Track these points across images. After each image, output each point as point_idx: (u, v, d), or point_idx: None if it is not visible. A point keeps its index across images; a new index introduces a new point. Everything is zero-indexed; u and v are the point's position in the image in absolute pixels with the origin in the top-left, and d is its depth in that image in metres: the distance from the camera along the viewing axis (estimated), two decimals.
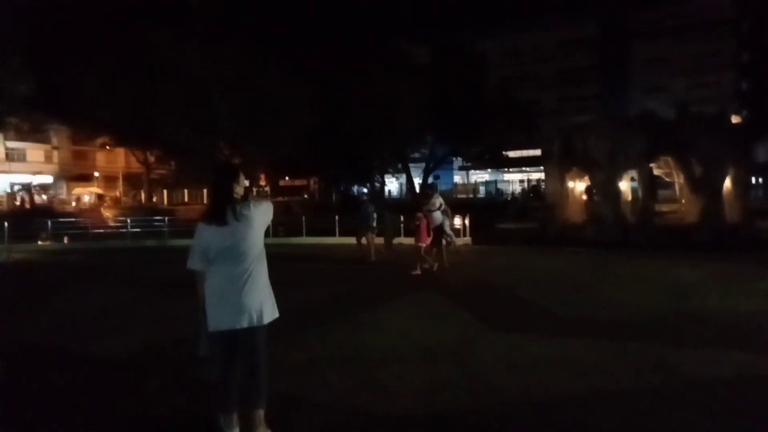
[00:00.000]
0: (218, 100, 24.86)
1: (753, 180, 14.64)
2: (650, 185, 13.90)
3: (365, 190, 37.33)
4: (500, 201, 35.44)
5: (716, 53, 45.13)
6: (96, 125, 31.75)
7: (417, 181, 36.38)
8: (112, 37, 25.80)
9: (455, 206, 17.90)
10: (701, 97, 38.53)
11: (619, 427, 3.31)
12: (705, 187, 13.25)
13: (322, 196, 41.77)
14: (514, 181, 50.58)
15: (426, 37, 37.21)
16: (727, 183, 13.59)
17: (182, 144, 25.89)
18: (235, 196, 2.99)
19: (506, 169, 50.69)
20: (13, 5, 22.92)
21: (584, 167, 14.29)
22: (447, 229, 10.13)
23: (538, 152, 33.25)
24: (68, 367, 4.55)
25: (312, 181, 45.97)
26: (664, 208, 15.36)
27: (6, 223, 16.31)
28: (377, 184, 35.65)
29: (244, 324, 2.92)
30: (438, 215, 9.76)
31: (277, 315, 3.09)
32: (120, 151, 42.88)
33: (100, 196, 40.74)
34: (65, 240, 17.73)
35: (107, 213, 29.67)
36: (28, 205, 33.59)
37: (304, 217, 17.10)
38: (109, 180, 45.45)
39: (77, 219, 22.24)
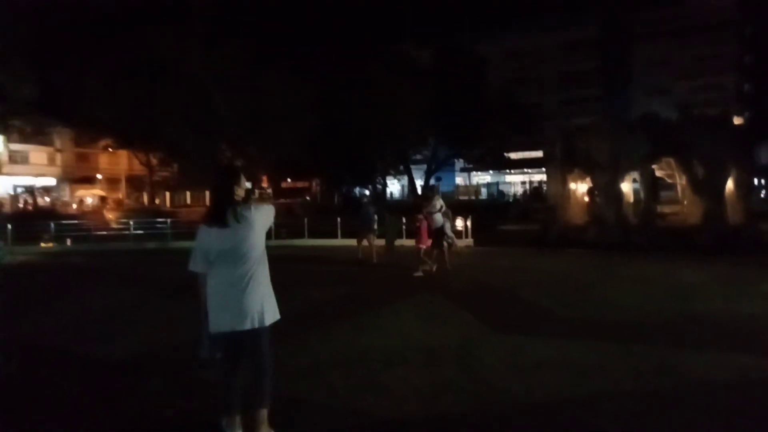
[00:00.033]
0: (220, 102, 24.90)
1: (756, 182, 14.58)
2: (652, 187, 13.88)
3: (367, 192, 37.36)
4: (502, 203, 35.44)
5: (718, 55, 45.03)
6: (98, 127, 31.86)
7: (419, 182, 36.39)
8: (113, 40, 25.89)
9: (457, 208, 17.91)
10: (703, 99, 38.49)
11: (622, 429, 3.31)
12: (707, 188, 13.24)
13: (324, 197, 41.80)
14: (516, 182, 50.56)
15: (428, 39, 37.25)
16: (730, 185, 13.57)
17: (184, 146, 25.95)
18: (236, 198, 3.01)
19: (508, 171, 50.67)
20: (15, 7, 23.03)
21: (586, 169, 14.29)
22: (448, 231, 10.14)
23: (540, 154, 33.30)
24: (70, 368, 4.56)
25: (314, 183, 46.01)
26: (666, 209, 15.34)
27: (9, 225, 16.37)
28: (379, 186, 35.67)
29: (246, 326, 2.93)
30: (439, 217, 9.77)
31: (278, 317, 3.10)
32: (123, 154, 43.00)
33: (102, 199, 40.87)
34: (68, 242, 17.78)
35: (110, 215, 29.75)
36: (31, 207, 33.71)
37: (306, 219, 17.13)
38: (111, 182, 45.59)
39: (80, 221, 22.30)
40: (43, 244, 17.03)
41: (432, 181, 35.74)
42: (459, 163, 48.02)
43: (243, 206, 3.00)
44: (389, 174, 37.97)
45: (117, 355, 4.90)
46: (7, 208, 31.63)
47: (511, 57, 50.37)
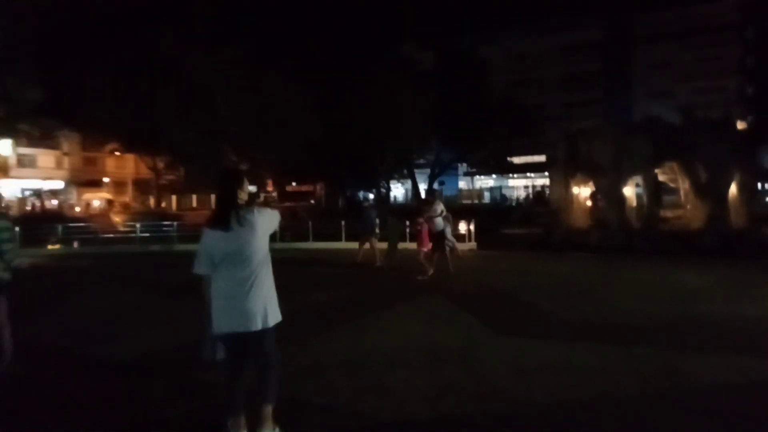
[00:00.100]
0: (223, 105, 25.00)
1: (759, 185, 14.51)
2: (655, 191, 13.87)
3: (371, 196, 37.41)
4: (505, 206, 35.41)
5: (721, 58, 44.87)
6: (104, 131, 32.08)
7: (422, 186, 36.44)
8: (117, 43, 26.01)
9: (460, 212, 17.92)
10: (706, 102, 38.33)
11: (624, 431, 3.33)
12: (710, 192, 13.22)
13: (329, 201, 41.90)
14: (518, 186, 50.50)
15: (430, 43, 37.37)
16: (733, 188, 13.55)
17: (188, 150, 26.08)
18: (240, 201, 3.05)
19: (511, 175, 50.63)
20: (19, 11, 23.22)
21: (589, 172, 14.30)
22: (448, 234, 10.20)
23: (542, 158, 33.30)
24: (73, 369, 4.57)
25: (318, 187, 46.12)
26: (669, 213, 15.30)
27: (17, 228, 16.52)
28: (383, 190, 35.74)
29: (250, 327, 2.97)
30: (439, 221, 9.84)
31: (280, 318, 3.14)
32: (129, 157, 43.27)
33: (109, 202, 41.14)
34: (75, 244, 17.93)
35: (117, 218, 29.94)
36: (39, 210, 33.99)
37: (310, 222, 17.22)
38: (118, 185, 45.86)
39: (87, 224, 22.47)
40: (50, 247, 17.17)
41: (435, 185, 35.78)
42: (462, 167, 48.07)
43: (246, 209, 3.03)
44: (393, 178, 38.04)
45: (120, 356, 4.92)
46: (15, 211, 31.89)
47: (513, 60, 50.42)
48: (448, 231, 10.19)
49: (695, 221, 13.62)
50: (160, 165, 36.58)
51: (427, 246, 9.79)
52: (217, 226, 3.00)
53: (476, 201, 45.01)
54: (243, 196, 3.09)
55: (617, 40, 48.95)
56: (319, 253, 14.81)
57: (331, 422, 3.44)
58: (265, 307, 3.02)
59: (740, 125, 15.35)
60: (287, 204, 36.65)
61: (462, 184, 53.57)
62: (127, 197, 44.53)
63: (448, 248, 10.06)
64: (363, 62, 29.90)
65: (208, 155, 25.52)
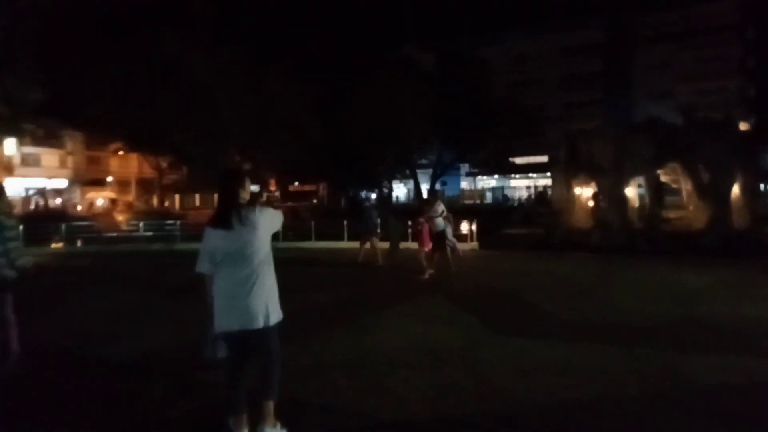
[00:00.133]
0: (224, 106, 25.04)
1: (762, 186, 14.46)
2: (657, 191, 13.84)
3: (373, 195, 37.40)
4: (507, 207, 35.37)
5: (722, 58, 44.68)
6: (106, 131, 32.18)
7: (425, 186, 36.45)
8: (118, 45, 26.09)
9: (462, 212, 17.91)
10: (707, 103, 38.19)
11: None
12: (712, 193, 13.19)
13: (331, 201, 41.96)
14: (520, 187, 50.44)
15: (431, 44, 37.36)
16: (736, 189, 13.51)
17: (190, 150, 26.15)
18: (241, 201, 3.08)
19: (513, 175, 50.58)
20: (20, 12, 23.30)
21: (590, 173, 14.29)
22: (449, 235, 10.23)
23: (544, 158, 33.27)
24: (74, 370, 4.56)
25: (321, 186, 46.19)
26: (671, 214, 15.28)
27: (21, 226, 16.59)
28: (385, 190, 35.76)
29: (251, 326, 2.99)
30: (440, 221, 9.87)
31: (281, 317, 3.16)
32: (133, 157, 43.43)
33: (113, 201, 41.29)
34: (78, 243, 18.01)
35: (120, 217, 30.05)
36: (42, 209, 34.14)
37: (312, 222, 17.27)
38: (122, 185, 46.01)
39: (90, 223, 22.55)
40: (53, 245, 17.25)
41: (437, 186, 35.76)
42: (464, 168, 48.05)
43: (248, 209, 3.06)
44: (395, 178, 38.05)
45: (121, 356, 4.92)
46: (18, 210, 32.03)
47: (514, 60, 50.34)
48: (449, 231, 10.22)
49: (697, 222, 13.59)
50: (164, 164, 36.70)
51: (428, 246, 9.83)
52: (218, 226, 3.03)
53: (478, 201, 44.95)
54: (245, 196, 3.12)
55: (618, 41, 48.83)
56: (321, 252, 14.84)
57: (332, 422, 3.45)
58: (267, 306, 3.04)
59: (742, 126, 15.26)
60: (289, 203, 36.71)
61: (464, 184, 53.55)
62: (130, 196, 44.68)
63: (449, 248, 10.08)
64: (363, 63, 29.92)
65: (210, 155, 25.58)
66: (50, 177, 40.71)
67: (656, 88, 45.64)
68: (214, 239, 3.03)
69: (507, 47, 49.20)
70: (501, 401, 3.77)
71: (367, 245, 11.69)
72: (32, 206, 35.76)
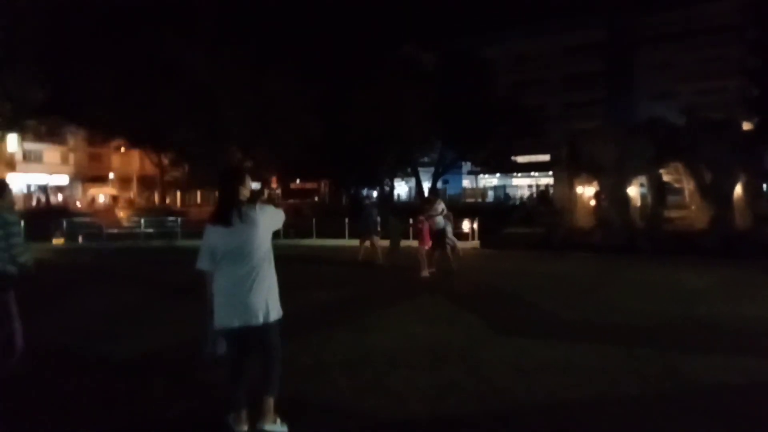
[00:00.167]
0: (226, 104, 25.06)
1: (765, 187, 14.39)
2: (659, 191, 13.82)
3: (374, 194, 37.40)
4: (508, 205, 35.33)
5: (724, 58, 44.51)
6: (109, 129, 32.24)
7: (426, 185, 36.43)
8: (120, 43, 26.11)
9: (464, 210, 17.89)
10: (710, 103, 38.07)
11: None
12: (714, 193, 13.17)
13: (333, 198, 41.96)
14: (522, 185, 50.36)
15: (433, 43, 37.25)
16: (738, 189, 13.48)
17: (192, 148, 26.19)
18: (241, 198, 3.08)
19: (515, 174, 50.50)
20: (20, 12, 23.32)
21: (592, 172, 14.28)
22: (449, 233, 10.25)
23: (546, 157, 33.17)
24: (74, 369, 4.54)
25: (322, 184, 46.19)
26: (673, 214, 15.27)
27: (23, 222, 16.62)
28: (386, 188, 35.75)
29: (252, 322, 3.00)
30: (440, 219, 9.89)
31: (281, 314, 3.17)
32: (135, 154, 43.44)
33: (114, 198, 41.34)
34: (79, 239, 18.04)
35: (121, 214, 30.09)
36: (44, 205, 34.21)
37: (314, 220, 17.28)
38: (123, 181, 46.06)
39: (92, 219, 22.58)
40: (54, 241, 17.28)
41: (439, 184, 35.75)
42: (466, 166, 47.98)
43: (248, 206, 3.07)
44: (397, 176, 38.01)
45: (121, 356, 4.89)
46: (20, 206, 32.11)
47: (516, 60, 50.21)
48: (449, 230, 10.24)
49: (699, 222, 13.58)
50: (165, 161, 36.74)
51: (428, 244, 9.85)
52: (219, 223, 3.04)
53: (480, 200, 44.90)
54: (245, 193, 3.12)
55: (619, 41, 48.68)
56: (322, 250, 14.85)
57: (332, 421, 3.45)
58: (267, 303, 3.05)
59: (745, 126, 15.22)
60: (291, 201, 36.74)
61: (466, 182, 53.49)
62: (131, 193, 44.72)
63: (448, 247, 10.10)
64: (364, 62, 29.88)
65: (213, 153, 25.62)
66: (52, 173, 40.78)
67: (658, 89, 45.51)
68: (215, 236, 3.04)
69: (508, 47, 49.09)
70: (501, 401, 3.76)
71: (367, 244, 11.70)
72: (34, 202, 35.83)
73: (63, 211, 28.21)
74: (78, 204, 37.73)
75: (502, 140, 32.23)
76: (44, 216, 22.29)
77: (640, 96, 46.80)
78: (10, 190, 4.32)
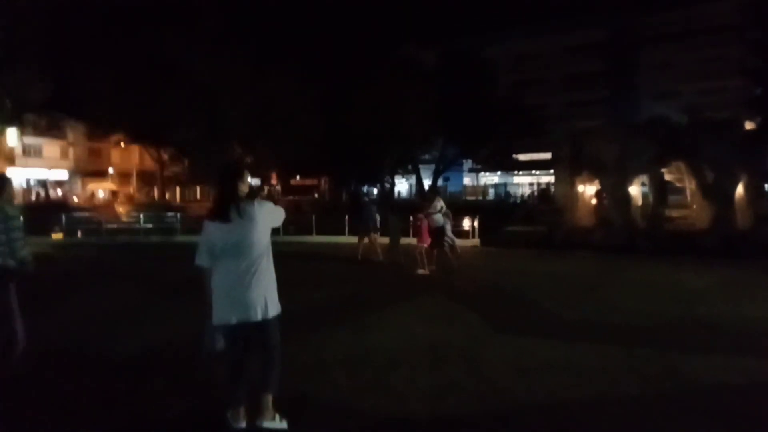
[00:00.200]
0: (228, 103, 25.04)
1: (767, 186, 14.35)
2: (661, 190, 13.80)
3: (375, 190, 37.36)
4: (509, 203, 35.31)
5: (726, 58, 44.40)
6: (109, 124, 32.21)
7: (427, 182, 36.39)
8: (123, 40, 26.07)
9: (464, 208, 17.84)
10: (713, 103, 37.97)
11: None
12: (716, 193, 13.14)
13: (333, 195, 41.92)
14: (524, 183, 50.29)
15: (434, 42, 37.19)
16: (740, 189, 13.45)
17: (193, 145, 26.19)
18: (240, 194, 3.07)
19: (516, 172, 50.44)
20: (21, 11, 23.27)
21: (594, 171, 14.25)
22: (448, 231, 10.22)
23: (548, 155, 33.13)
24: (74, 368, 4.52)
25: (323, 181, 46.13)
26: (675, 213, 15.25)
27: (21, 217, 16.58)
28: (387, 185, 35.71)
29: (250, 318, 2.99)
30: (439, 217, 9.87)
31: (280, 310, 3.16)
32: (134, 149, 43.37)
33: (113, 193, 41.28)
34: (78, 234, 18.01)
35: (120, 209, 30.06)
36: (43, 200, 34.17)
37: (314, 216, 17.26)
38: (123, 176, 45.99)
39: (91, 214, 22.55)
40: (53, 236, 17.25)
41: (440, 182, 35.71)
42: (467, 164, 47.91)
43: (246, 202, 3.06)
44: (397, 173, 37.97)
45: (120, 353, 4.87)
46: (19, 200, 32.06)
47: (518, 59, 50.08)
48: (448, 228, 10.22)
49: (701, 221, 13.55)
50: (165, 157, 36.69)
51: (427, 242, 9.83)
52: (217, 218, 3.03)
53: (480, 197, 44.82)
54: (243, 189, 3.12)
55: (621, 41, 48.56)
56: (321, 247, 14.83)
57: (332, 420, 3.43)
58: (265, 299, 3.04)
59: (747, 126, 15.18)
60: (290, 198, 36.69)
61: (467, 180, 53.43)
62: (131, 188, 44.66)
63: (447, 245, 10.09)
64: (365, 61, 29.83)
65: (214, 149, 25.62)
66: (51, 168, 40.71)
67: (660, 88, 45.44)
68: (213, 232, 3.03)
69: (509, 47, 48.97)
70: (501, 400, 3.75)
71: (366, 241, 11.68)
72: (33, 197, 35.79)
73: (62, 205, 28.17)
74: (75, 199, 37.62)
75: (503, 139, 32.22)
76: (43, 211, 22.25)
77: (642, 96, 46.75)
78: (11, 184, 4.31)
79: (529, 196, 40.70)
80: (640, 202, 14.62)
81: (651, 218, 13.58)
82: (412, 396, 3.80)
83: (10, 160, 32.95)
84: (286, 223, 3.55)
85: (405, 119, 26.91)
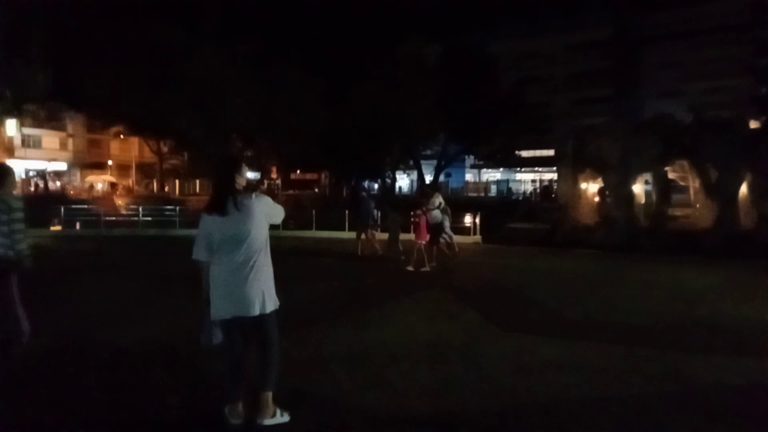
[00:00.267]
0: (230, 95, 24.99)
1: None
2: (664, 189, 13.74)
3: (376, 186, 37.30)
4: (511, 200, 35.24)
5: (732, 57, 44.28)
6: (111, 116, 32.15)
7: (428, 178, 36.33)
8: (127, 33, 26.01)
9: (466, 205, 17.78)
10: (717, 102, 37.82)
11: (626, 431, 3.29)
12: (720, 192, 13.08)
13: (333, 190, 41.84)
14: (526, 180, 50.20)
15: (439, 38, 37.00)
16: (743, 189, 13.37)
17: (195, 137, 26.16)
18: (237, 187, 3.04)
19: (518, 169, 50.35)
20: (32, 3, 23.20)
21: (597, 169, 14.18)
22: (446, 228, 10.15)
23: (551, 152, 33.05)
24: (73, 358, 4.51)
25: (323, 176, 46.04)
26: (678, 212, 15.19)
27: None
28: (388, 180, 35.68)
29: (248, 313, 2.96)
30: (437, 213, 9.80)
31: (278, 305, 3.13)
32: (134, 141, 43.31)
33: (113, 185, 41.17)
34: (77, 226, 17.95)
35: (119, 201, 29.99)
36: (42, 191, 34.09)
37: (314, 211, 17.20)
38: (122, 169, 45.92)
39: (90, 206, 22.49)
40: (52, 228, 17.18)
41: (441, 178, 35.66)
42: (469, 160, 47.85)
43: (244, 195, 3.03)
44: (399, 169, 37.93)
45: (118, 348, 4.83)
46: (19, 192, 31.96)
47: (522, 56, 49.90)
48: (447, 224, 10.15)
49: (704, 221, 13.50)
50: (165, 149, 36.62)
51: (426, 238, 9.77)
52: (214, 211, 3.01)
53: (482, 194, 44.73)
54: (241, 182, 3.09)
55: (626, 39, 48.38)
56: (321, 242, 14.78)
57: (331, 416, 3.40)
58: (263, 293, 3.02)
59: (752, 125, 15.10)
60: (290, 192, 36.64)
61: (469, 176, 53.35)
62: (130, 181, 44.58)
63: (444, 241, 10.03)
64: (369, 56, 29.74)
65: (215, 142, 25.60)
66: (50, 159, 40.62)
67: (665, 87, 45.33)
68: (210, 225, 3.01)
69: (514, 43, 48.82)
70: (502, 398, 3.72)
71: (363, 236, 11.64)
72: (32, 188, 35.71)
73: (61, 197, 28.10)
74: (71, 191, 37.47)
75: (506, 135, 32.18)
76: (42, 202, 22.17)
77: (646, 94, 46.64)
78: (13, 175, 4.29)
79: (531, 193, 40.63)
80: (643, 201, 14.57)
81: (654, 217, 13.54)
82: (412, 393, 3.76)
83: (10, 151, 32.88)
84: (285, 217, 3.48)
85: (407, 115, 26.87)
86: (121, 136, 41.18)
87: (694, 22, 45.64)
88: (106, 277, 8.78)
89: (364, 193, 16.00)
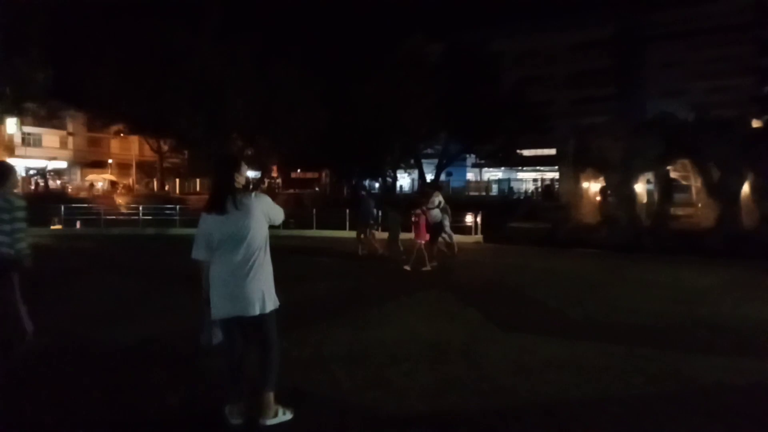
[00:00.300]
0: (232, 95, 24.98)
1: None
2: (666, 188, 13.71)
3: (376, 185, 37.27)
4: (513, 199, 35.21)
5: (735, 57, 44.20)
6: (111, 115, 32.14)
7: (430, 177, 36.29)
8: (128, 31, 26.01)
9: (467, 204, 17.77)
10: (719, 101, 37.77)
11: (626, 431, 3.29)
12: (722, 192, 13.05)
13: (334, 189, 41.81)
14: (527, 179, 50.12)
15: (440, 37, 36.94)
16: (746, 188, 13.34)
17: (195, 136, 26.16)
18: (236, 185, 3.03)
19: (520, 168, 50.28)
20: (32, 1, 23.20)
21: (599, 168, 14.15)
22: (446, 227, 10.13)
23: (552, 151, 33.05)
24: (73, 356, 4.51)
25: (324, 174, 46.00)
26: (680, 211, 15.16)
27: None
28: (389, 179, 35.65)
29: (248, 312, 2.96)
30: (437, 212, 9.77)
31: (278, 304, 3.12)
32: (134, 139, 43.28)
33: (113, 183, 41.16)
34: (77, 224, 17.95)
35: (119, 200, 29.98)
36: (42, 190, 34.08)
37: (314, 210, 17.18)
38: (122, 167, 45.90)
39: (90, 205, 22.48)
40: (52, 227, 17.18)
41: (443, 176, 35.64)
42: (470, 159, 47.76)
43: (243, 194, 3.02)
44: (400, 168, 37.90)
45: (118, 347, 4.83)
46: (19, 190, 31.95)
47: (524, 55, 49.81)
48: (446, 223, 10.13)
49: (706, 220, 13.47)
50: (165, 148, 36.60)
51: (425, 237, 9.74)
52: (213, 210, 2.99)
53: (484, 193, 44.67)
54: (240, 180, 3.08)
55: (628, 38, 48.28)
56: (322, 241, 14.77)
57: (331, 415, 3.39)
58: (263, 293, 3.01)
59: (754, 124, 15.06)
60: (291, 191, 36.62)
61: (470, 175, 53.25)
62: (130, 179, 44.57)
63: (443, 240, 10.00)
64: (371, 55, 29.71)
65: (215, 141, 25.60)
66: (50, 158, 40.60)
67: (667, 86, 45.25)
68: (210, 224, 3.00)
69: (516, 42, 48.75)
70: (502, 398, 3.71)
71: (363, 236, 11.63)
72: (32, 187, 35.70)
73: (61, 196, 28.10)
74: (71, 190, 37.44)
75: (507, 134, 32.12)
76: (42, 201, 22.16)
77: (648, 93, 46.55)
78: (15, 173, 4.29)
79: (532, 192, 40.58)
80: (645, 200, 14.54)
81: (656, 216, 13.51)
82: (412, 392, 3.75)
83: (10, 149, 32.85)
84: (285, 216, 3.47)
85: (408, 114, 26.84)
86: (122, 135, 41.14)
87: (695, 22, 45.54)
88: (106, 277, 8.77)
89: (364, 192, 15.99)
